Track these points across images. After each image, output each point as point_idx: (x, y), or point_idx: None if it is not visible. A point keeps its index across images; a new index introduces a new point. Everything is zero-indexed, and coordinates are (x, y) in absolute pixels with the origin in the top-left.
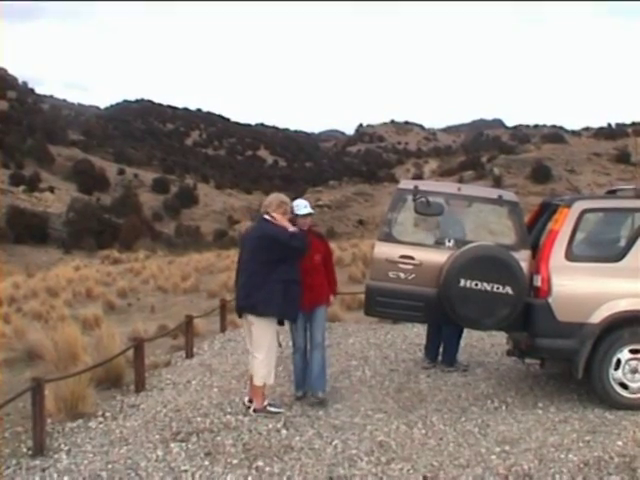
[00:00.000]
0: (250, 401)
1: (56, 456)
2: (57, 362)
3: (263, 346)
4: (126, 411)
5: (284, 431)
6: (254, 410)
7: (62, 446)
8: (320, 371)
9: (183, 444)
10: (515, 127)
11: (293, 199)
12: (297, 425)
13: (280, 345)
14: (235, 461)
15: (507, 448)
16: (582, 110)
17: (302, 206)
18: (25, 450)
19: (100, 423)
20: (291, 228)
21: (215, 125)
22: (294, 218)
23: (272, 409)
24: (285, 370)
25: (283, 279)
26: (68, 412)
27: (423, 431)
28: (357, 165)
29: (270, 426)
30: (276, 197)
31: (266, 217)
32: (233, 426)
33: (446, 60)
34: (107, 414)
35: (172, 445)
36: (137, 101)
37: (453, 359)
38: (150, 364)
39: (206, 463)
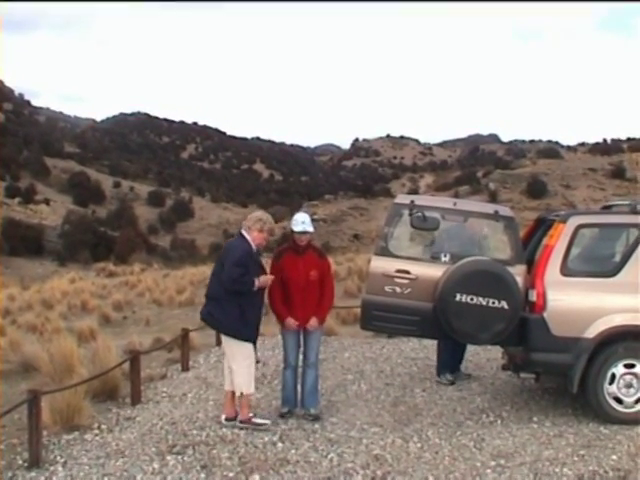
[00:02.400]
0: (227, 419)
1: (52, 468)
2: (53, 374)
3: (236, 357)
4: (122, 424)
5: (280, 444)
6: (240, 421)
7: (58, 458)
8: (313, 388)
9: (179, 457)
10: (511, 142)
11: (294, 212)
12: (293, 438)
13: (258, 361)
14: (231, 474)
15: (502, 462)
16: (578, 125)
17: (299, 222)
18: (21, 462)
19: (96, 435)
20: (254, 247)
21: (211, 138)
22: (291, 233)
23: (257, 420)
24: (281, 384)
25: (240, 302)
26: (64, 424)
27: (419, 445)
28: (353, 179)
29: (266, 439)
30: (255, 214)
31: (243, 233)
32: (229, 439)
33: (442, 75)
34: (103, 426)
35: (168, 458)
36: (133, 114)
37: (449, 368)
38: (146, 377)
39: (202, 476)
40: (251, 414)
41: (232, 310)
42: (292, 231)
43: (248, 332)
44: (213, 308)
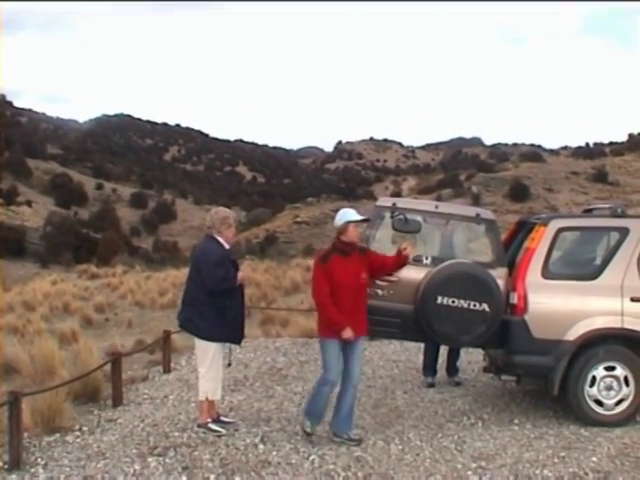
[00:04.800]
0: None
1: (33, 470)
2: (34, 376)
3: (204, 361)
4: (103, 425)
5: (261, 446)
6: (198, 425)
7: (39, 460)
8: (350, 411)
9: (160, 459)
10: (494, 145)
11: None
12: (274, 440)
13: (230, 364)
14: (212, 476)
15: (483, 464)
16: (560, 129)
17: (352, 212)
18: (1, 464)
19: (77, 437)
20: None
21: (194, 140)
22: (345, 226)
23: (213, 426)
24: (262, 386)
25: (219, 304)
26: (45, 426)
27: (400, 447)
28: (336, 182)
29: (248, 441)
30: (217, 216)
31: (213, 235)
32: (210, 441)
33: (425, 78)
34: (84, 428)
35: (149, 459)
36: (116, 115)
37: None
38: (127, 379)
39: (183, 478)
40: (209, 419)
41: (210, 313)
42: (347, 222)
43: (227, 333)
44: (190, 314)
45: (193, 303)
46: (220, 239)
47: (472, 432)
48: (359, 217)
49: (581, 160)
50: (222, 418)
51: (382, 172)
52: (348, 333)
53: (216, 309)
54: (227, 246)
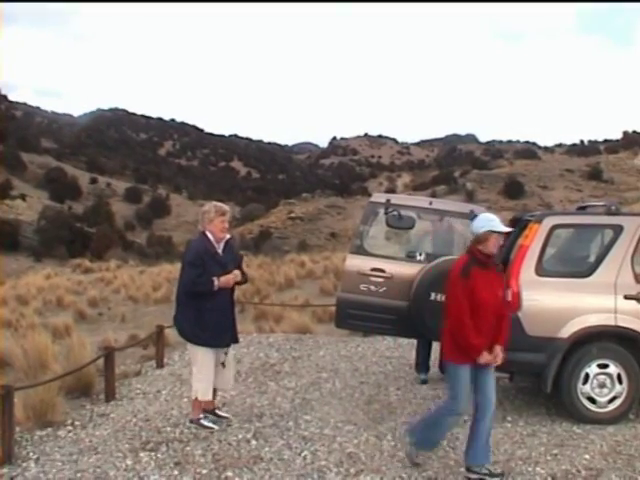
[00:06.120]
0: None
1: (24, 464)
2: (27, 370)
3: (196, 361)
4: (96, 420)
5: (254, 442)
6: (190, 421)
7: (31, 454)
8: (487, 440)
9: (152, 453)
10: (488, 142)
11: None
12: (267, 436)
13: (223, 365)
14: (204, 471)
15: None
16: (555, 126)
17: (496, 219)
18: None
19: (69, 432)
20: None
21: (189, 135)
22: (487, 236)
23: (204, 423)
24: (255, 381)
25: (198, 305)
26: (37, 420)
27: (392, 443)
28: (330, 178)
29: (240, 436)
30: (202, 211)
31: (205, 232)
32: (203, 436)
33: (420, 74)
34: (77, 423)
35: (141, 454)
36: (111, 110)
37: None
38: (120, 373)
39: (175, 473)
40: (201, 415)
41: (189, 313)
42: (481, 236)
43: (206, 337)
44: (177, 312)
45: (178, 302)
46: (209, 235)
47: (465, 429)
48: (505, 228)
49: (575, 157)
50: (217, 411)
51: (377, 168)
52: (486, 358)
53: (195, 311)
54: (216, 243)
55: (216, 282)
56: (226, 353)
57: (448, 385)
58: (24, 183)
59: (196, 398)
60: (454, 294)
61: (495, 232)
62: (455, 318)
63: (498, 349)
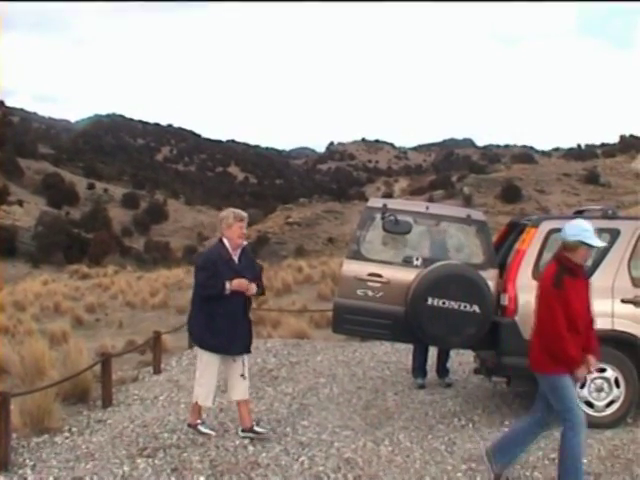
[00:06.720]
0: (243, 430)
1: (21, 471)
2: (23, 376)
3: (200, 366)
4: (93, 426)
5: (251, 447)
6: (188, 425)
7: (27, 461)
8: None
9: (150, 460)
10: (485, 147)
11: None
12: (264, 442)
13: (243, 377)
14: (202, 477)
15: (473, 466)
16: (552, 131)
17: (591, 231)
18: None
19: (66, 438)
20: (236, 250)
21: (186, 141)
22: (578, 246)
23: (202, 429)
24: (252, 387)
25: (208, 310)
26: (34, 427)
27: (390, 448)
28: (327, 183)
29: (237, 442)
30: (220, 217)
31: (221, 239)
32: (200, 442)
33: (417, 78)
34: (73, 429)
35: (139, 461)
36: (108, 115)
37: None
38: (117, 379)
39: (172, 479)
40: (199, 421)
41: (201, 318)
42: (572, 244)
43: (214, 342)
44: (189, 317)
45: (192, 306)
46: (226, 242)
47: (462, 434)
48: (599, 242)
49: (573, 161)
50: (255, 428)
51: (374, 173)
52: (583, 371)
53: (206, 315)
54: (232, 250)
55: (228, 285)
56: (244, 364)
57: (556, 399)
58: (21, 189)
59: (196, 402)
60: (548, 305)
61: (586, 244)
62: (551, 331)
63: (592, 359)
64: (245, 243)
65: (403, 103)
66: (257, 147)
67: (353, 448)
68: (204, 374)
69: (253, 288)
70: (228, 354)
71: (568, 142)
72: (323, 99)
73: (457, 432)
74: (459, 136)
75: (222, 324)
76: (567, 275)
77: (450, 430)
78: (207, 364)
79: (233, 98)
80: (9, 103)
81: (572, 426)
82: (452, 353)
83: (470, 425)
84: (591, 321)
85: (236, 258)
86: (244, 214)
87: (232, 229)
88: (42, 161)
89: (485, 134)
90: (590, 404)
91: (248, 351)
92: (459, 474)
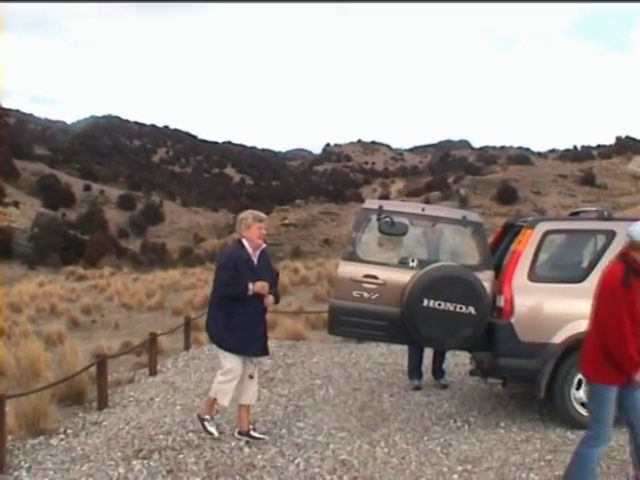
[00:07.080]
0: (240, 433)
1: (16, 473)
2: (19, 378)
3: (222, 366)
4: (88, 428)
5: (247, 449)
6: (197, 415)
7: (22, 463)
8: None
9: (145, 462)
10: (481, 148)
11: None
12: (260, 443)
13: (251, 377)
14: (197, 479)
15: (469, 467)
16: (548, 132)
17: None
18: None
19: (62, 440)
20: (258, 248)
21: (182, 142)
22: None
23: (207, 425)
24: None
25: (228, 309)
26: (29, 429)
27: (386, 450)
28: (324, 184)
29: (233, 444)
30: (239, 218)
31: (240, 240)
32: (195, 444)
33: (414, 80)
34: (69, 431)
35: (134, 462)
36: (104, 117)
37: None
38: (113, 381)
39: None
40: (207, 416)
41: (220, 317)
42: (636, 242)
43: (232, 342)
44: (208, 316)
45: (210, 306)
46: (245, 243)
47: (458, 435)
48: None
49: (569, 163)
50: (252, 433)
51: (370, 174)
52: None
53: (225, 314)
54: (252, 251)
55: (251, 286)
56: (255, 365)
57: (592, 408)
58: (17, 190)
59: (215, 399)
60: (613, 306)
61: None
62: (614, 332)
63: None
64: (264, 245)
65: (399, 104)
66: (253, 148)
67: (349, 450)
68: (228, 374)
69: (270, 299)
70: (246, 355)
71: (564, 143)
72: (319, 100)
73: (453, 434)
74: (455, 137)
75: (240, 324)
76: (633, 276)
77: (446, 432)
78: (232, 365)
79: (229, 99)
80: (5, 104)
81: (597, 437)
82: (448, 355)
83: (466, 427)
84: None
85: (255, 259)
86: (263, 215)
87: (251, 230)
88: (38, 162)
89: (481, 135)
90: (586, 405)
91: (266, 353)
92: (455, 476)
